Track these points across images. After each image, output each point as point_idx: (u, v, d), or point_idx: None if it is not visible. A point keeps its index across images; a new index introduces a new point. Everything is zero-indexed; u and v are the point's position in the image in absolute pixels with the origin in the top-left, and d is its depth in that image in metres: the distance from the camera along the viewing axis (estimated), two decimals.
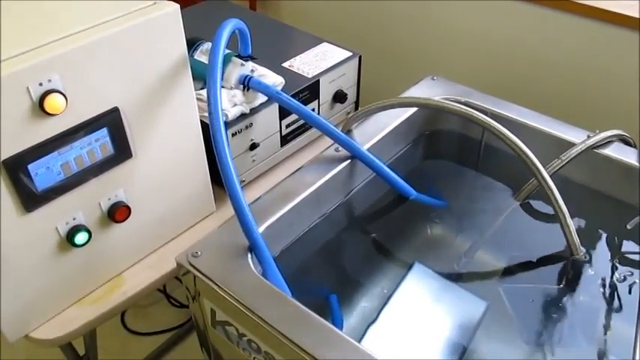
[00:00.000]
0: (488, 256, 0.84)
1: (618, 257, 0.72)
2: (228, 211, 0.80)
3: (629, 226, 0.68)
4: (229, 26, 0.68)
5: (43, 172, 0.58)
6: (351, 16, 1.48)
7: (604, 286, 0.70)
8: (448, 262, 0.87)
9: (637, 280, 0.66)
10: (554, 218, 0.73)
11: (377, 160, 0.77)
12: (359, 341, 0.78)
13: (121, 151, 0.64)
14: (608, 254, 0.73)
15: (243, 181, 0.83)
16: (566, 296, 0.70)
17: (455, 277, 0.86)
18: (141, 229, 0.71)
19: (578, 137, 0.80)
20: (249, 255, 0.64)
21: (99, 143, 0.61)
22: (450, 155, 0.92)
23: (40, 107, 0.54)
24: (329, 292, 0.81)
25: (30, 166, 0.56)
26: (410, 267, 0.88)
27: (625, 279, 0.68)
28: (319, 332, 0.56)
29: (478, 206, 0.91)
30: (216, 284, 0.60)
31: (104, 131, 0.61)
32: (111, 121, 0.61)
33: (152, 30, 0.61)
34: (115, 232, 0.68)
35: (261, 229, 0.67)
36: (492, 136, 0.88)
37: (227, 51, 0.79)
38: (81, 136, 0.59)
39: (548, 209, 0.75)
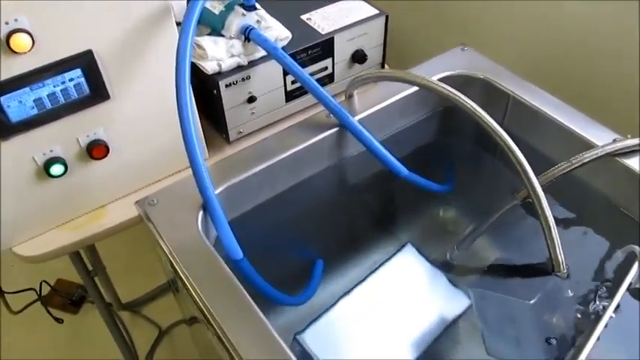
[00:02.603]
0: (476, 253, 0.78)
1: (606, 282, 0.64)
2: (222, 157, 0.81)
3: (620, 254, 0.60)
4: None
5: (16, 106, 0.61)
6: None
7: (579, 312, 0.62)
8: (442, 248, 0.83)
9: (612, 315, 0.58)
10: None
11: (366, 132, 0.72)
12: (326, 312, 0.78)
13: (97, 92, 0.66)
14: (597, 277, 0.65)
15: (241, 132, 0.82)
16: (537, 314, 0.64)
17: (444, 268, 0.81)
18: (121, 167, 0.74)
19: (604, 139, 0.70)
20: (201, 212, 0.64)
21: (73, 83, 0.64)
22: (466, 137, 0.85)
23: (7, 45, 0.57)
24: (297, 256, 0.81)
25: (2, 99, 0.60)
26: (400, 247, 0.84)
27: (604, 309, 0.60)
28: (234, 300, 0.56)
29: (486, 195, 0.84)
30: (160, 235, 0.62)
31: (77, 72, 0.63)
32: (84, 62, 0.63)
33: None
34: (93, 168, 0.71)
35: (222, 188, 0.67)
36: (514, 122, 0.80)
37: None
38: (51, 75, 0.61)
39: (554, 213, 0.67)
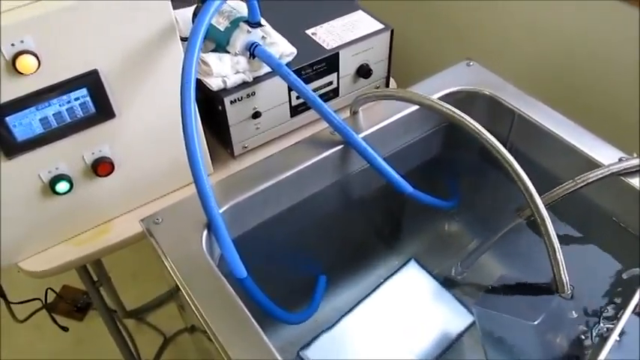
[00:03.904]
0: (480, 269, 0.78)
1: (611, 304, 0.63)
2: (227, 173, 0.81)
3: (624, 276, 0.59)
4: None
5: (22, 125, 0.62)
6: None
7: (583, 333, 0.62)
8: (446, 263, 0.83)
9: (617, 339, 0.58)
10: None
11: (371, 150, 0.72)
12: (329, 328, 0.78)
13: (103, 110, 0.66)
14: (602, 298, 0.65)
15: (246, 147, 0.83)
16: (540, 335, 0.64)
17: (448, 283, 0.81)
18: (127, 183, 0.74)
19: (610, 158, 0.69)
20: (206, 231, 0.65)
21: (78, 102, 0.64)
22: (472, 151, 0.84)
23: (13, 66, 0.57)
24: (301, 272, 0.81)
25: (8, 119, 0.60)
26: (404, 263, 0.84)
27: (608, 331, 0.60)
28: (236, 320, 0.56)
29: (491, 210, 0.84)
30: (164, 253, 0.62)
31: (83, 91, 0.63)
32: (90, 82, 0.63)
33: None
34: (98, 185, 0.71)
35: (226, 206, 0.67)
36: (520, 139, 0.80)
37: (240, 15, 0.77)
38: (57, 94, 0.62)
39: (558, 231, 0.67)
